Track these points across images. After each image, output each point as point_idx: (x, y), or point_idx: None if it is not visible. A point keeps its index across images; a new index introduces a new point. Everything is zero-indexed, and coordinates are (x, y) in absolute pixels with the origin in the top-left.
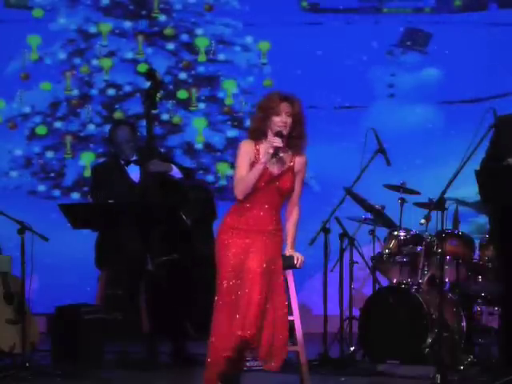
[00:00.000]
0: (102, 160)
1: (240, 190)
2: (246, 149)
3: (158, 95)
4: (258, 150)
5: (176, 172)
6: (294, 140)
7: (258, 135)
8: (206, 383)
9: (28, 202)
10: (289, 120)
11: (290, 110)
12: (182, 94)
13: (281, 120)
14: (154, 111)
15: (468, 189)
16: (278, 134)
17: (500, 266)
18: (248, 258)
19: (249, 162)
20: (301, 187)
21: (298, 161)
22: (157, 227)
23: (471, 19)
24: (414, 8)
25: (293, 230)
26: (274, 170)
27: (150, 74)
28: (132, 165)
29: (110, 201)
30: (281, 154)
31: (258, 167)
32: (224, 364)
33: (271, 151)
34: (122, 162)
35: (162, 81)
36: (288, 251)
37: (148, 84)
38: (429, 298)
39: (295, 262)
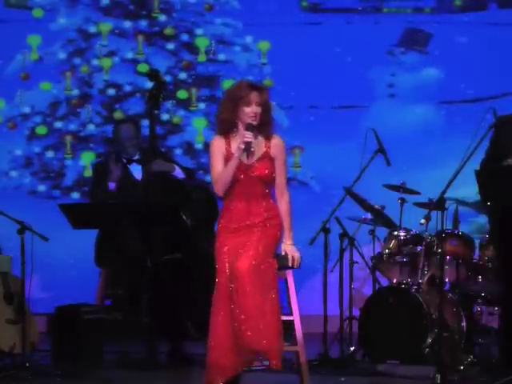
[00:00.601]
0: (102, 158)
1: (219, 187)
2: (217, 145)
3: (162, 96)
4: (229, 144)
5: (178, 172)
6: (262, 126)
7: (227, 126)
8: None
9: (28, 202)
10: (259, 110)
11: (259, 99)
12: (182, 94)
13: (251, 110)
14: (156, 111)
15: (468, 189)
16: (249, 128)
17: (500, 266)
18: (238, 258)
19: (222, 158)
20: (284, 171)
21: (274, 144)
22: (158, 227)
23: (471, 19)
24: (414, 8)
25: (286, 219)
26: (250, 159)
27: (153, 75)
28: (134, 164)
29: (110, 201)
30: (252, 149)
31: (233, 162)
32: (224, 366)
33: (242, 146)
34: (124, 161)
35: (165, 81)
36: (285, 246)
37: (151, 84)
38: (429, 298)
39: (289, 263)
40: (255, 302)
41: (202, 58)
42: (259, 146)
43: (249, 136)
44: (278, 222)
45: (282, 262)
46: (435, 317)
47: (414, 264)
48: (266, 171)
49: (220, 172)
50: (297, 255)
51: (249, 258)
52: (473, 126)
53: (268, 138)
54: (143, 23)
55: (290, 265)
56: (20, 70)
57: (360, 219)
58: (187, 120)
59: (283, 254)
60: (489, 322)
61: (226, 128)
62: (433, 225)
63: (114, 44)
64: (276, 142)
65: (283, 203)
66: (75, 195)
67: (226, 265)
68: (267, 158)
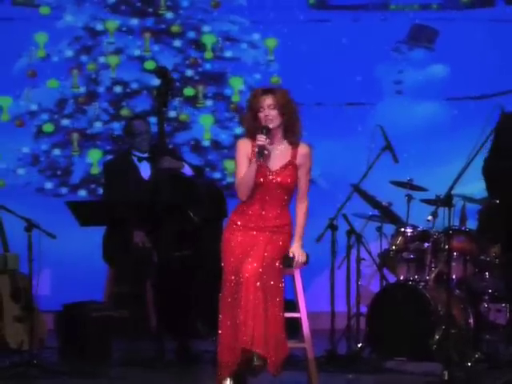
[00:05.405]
0: (112, 157)
1: (241, 193)
2: (242, 148)
3: (170, 93)
4: (254, 147)
5: (187, 169)
6: (288, 132)
7: (251, 134)
8: (218, 382)
9: (35, 200)
10: (272, 112)
11: (271, 102)
12: (188, 92)
13: (263, 115)
14: (164, 109)
15: (475, 185)
16: (263, 131)
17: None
18: (246, 259)
19: (247, 161)
20: (306, 179)
21: (300, 153)
22: (166, 225)
23: (478, 16)
24: (422, 5)
25: (299, 224)
26: (273, 165)
27: (161, 73)
28: (144, 162)
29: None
30: (266, 152)
31: (251, 168)
32: (233, 365)
33: (256, 149)
34: (135, 159)
35: (173, 79)
36: (292, 248)
37: (158, 82)
38: (436, 295)
39: (293, 264)
40: (258, 310)
41: (208, 55)
42: (284, 153)
43: (261, 139)
44: (287, 230)
45: (286, 262)
46: (442, 313)
47: (421, 261)
48: (289, 180)
49: (241, 177)
50: (302, 258)
51: (254, 262)
52: (480, 122)
53: (294, 145)
54: (150, 20)
55: (294, 266)
56: (27, 67)
57: (367, 216)
58: (194, 117)
59: (290, 254)
60: (496, 318)
61: (250, 135)
62: (440, 221)
63: (121, 41)
64: (303, 151)
65: (301, 209)
66: (82, 193)
67: (232, 265)
68: (292, 166)
